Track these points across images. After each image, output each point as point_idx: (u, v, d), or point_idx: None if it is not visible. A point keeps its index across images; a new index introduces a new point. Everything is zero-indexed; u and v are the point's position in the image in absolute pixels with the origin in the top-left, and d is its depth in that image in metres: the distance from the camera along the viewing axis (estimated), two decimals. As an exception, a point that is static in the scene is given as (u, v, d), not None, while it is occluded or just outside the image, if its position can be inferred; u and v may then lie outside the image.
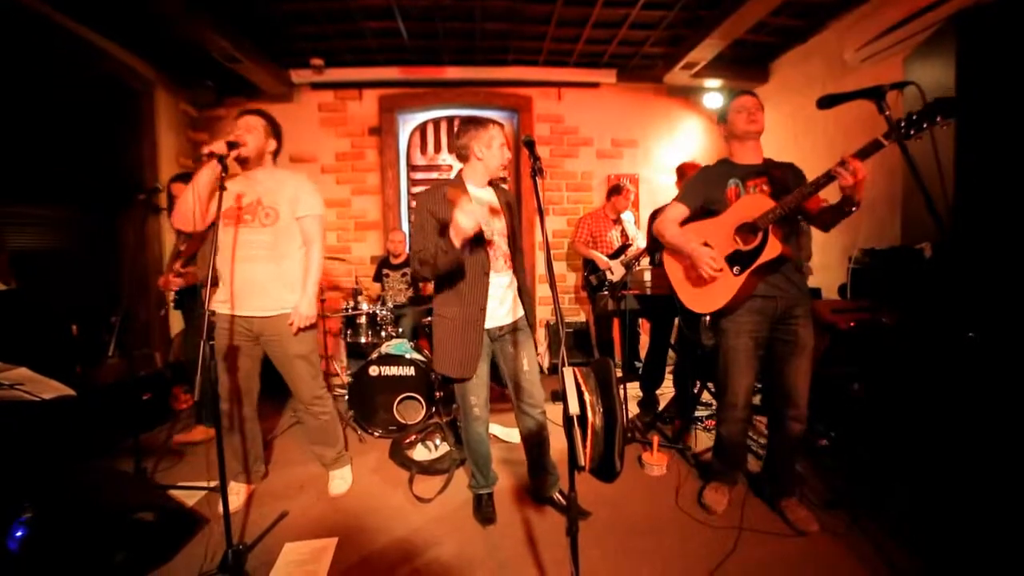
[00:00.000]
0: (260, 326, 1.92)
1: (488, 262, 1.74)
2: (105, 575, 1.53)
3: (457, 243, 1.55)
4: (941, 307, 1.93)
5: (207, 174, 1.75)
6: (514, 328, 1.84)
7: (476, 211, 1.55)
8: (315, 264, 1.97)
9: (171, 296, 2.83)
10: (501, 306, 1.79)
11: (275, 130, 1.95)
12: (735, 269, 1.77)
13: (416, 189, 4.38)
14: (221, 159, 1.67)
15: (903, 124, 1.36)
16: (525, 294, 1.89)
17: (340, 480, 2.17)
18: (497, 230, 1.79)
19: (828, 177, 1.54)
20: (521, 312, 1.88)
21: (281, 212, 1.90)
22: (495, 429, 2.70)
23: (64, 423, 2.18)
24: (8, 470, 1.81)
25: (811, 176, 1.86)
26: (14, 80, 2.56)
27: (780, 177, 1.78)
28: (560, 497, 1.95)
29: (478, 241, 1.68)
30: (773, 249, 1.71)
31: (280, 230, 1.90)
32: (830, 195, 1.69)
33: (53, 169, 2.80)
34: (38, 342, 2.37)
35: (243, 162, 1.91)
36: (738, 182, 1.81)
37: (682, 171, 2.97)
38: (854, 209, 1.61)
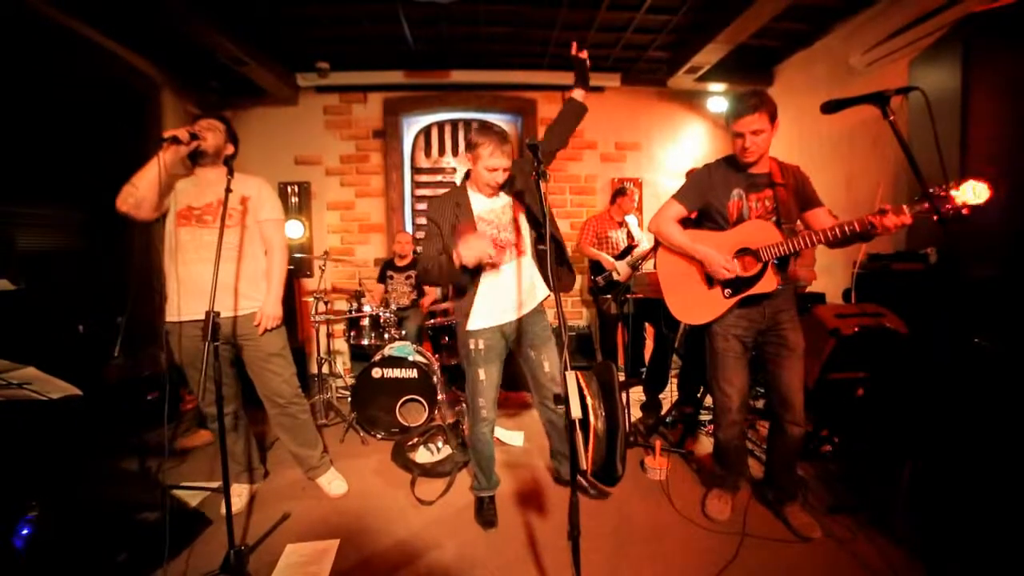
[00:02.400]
0: (235, 326, 1.90)
1: (482, 267, 1.76)
2: (108, 574, 1.54)
3: (457, 267, 1.62)
4: (946, 312, 1.92)
5: (168, 157, 1.70)
6: (529, 324, 1.85)
7: (478, 246, 1.58)
8: (277, 267, 1.98)
9: None
10: (510, 305, 1.81)
11: (233, 136, 1.95)
12: (726, 291, 1.77)
13: (420, 192, 4.40)
14: (174, 140, 1.66)
15: (940, 196, 1.36)
16: (557, 265, 1.79)
17: (337, 480, 2.17)
18: (502, 225, 1.80)
19: (856, 233, 1.52)
20: (535, 303, 1.87)
21: (245, 215, 1.91)
22: (498, 432, 2.70)
23: (70, 422, 2.19)
24: (16, 469, 1.83)
25: (832, 181, 1.84)
26: (22, 82, 2.59)
27: (784, 196, 1.73)
28: (581, 479, 1.97)
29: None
30: (769, 284, 1.72)
31: (243, 231, 1.91)
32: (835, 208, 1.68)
33: (61, 170, 2.83)
34: (45, 342, 2.39)
35: (199, 156, 1.84)
36: (742, 194, 1.75)
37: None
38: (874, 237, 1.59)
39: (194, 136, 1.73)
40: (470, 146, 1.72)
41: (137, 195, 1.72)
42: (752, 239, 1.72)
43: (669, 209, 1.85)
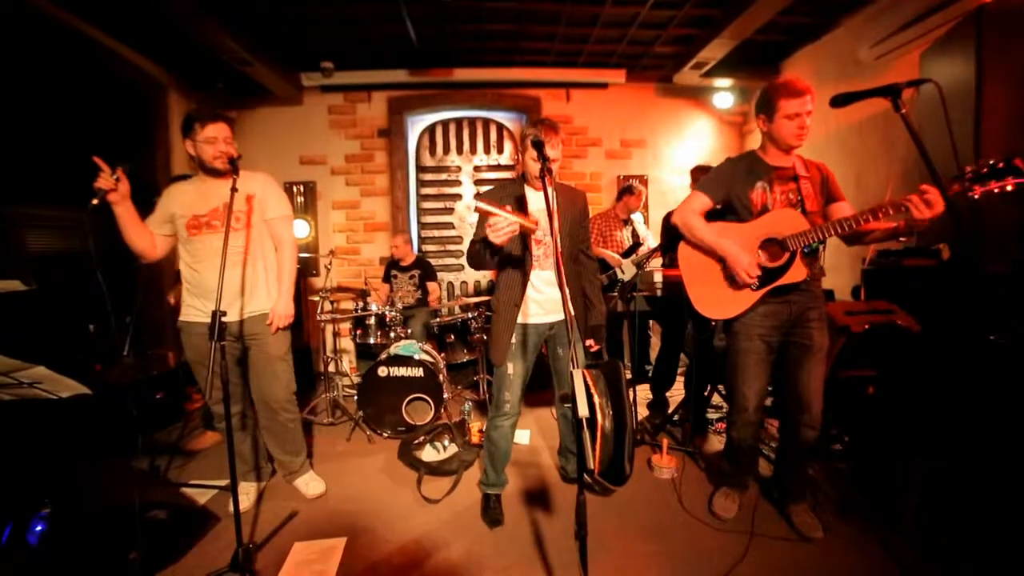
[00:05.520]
0: (242, 325, 1.91)
1: (530, 262, 1.77)
2: (119, 571, 1.56)
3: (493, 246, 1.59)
4: (960, 309, 1.88)
5: (118, 211, 1.76)
6: (563, 329, 1.84)
7: (503, 227, 1.52)
8: (288, 264, 1.98)
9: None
10: (556, 305, 1.79)
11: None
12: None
13: (425, 190, 4.40)
14: (101, 192, 1.72)
15: (969, 178, 1.34)
16: (575, 291, 1.85)
17: (315, 482, 2.15)
18: (547, 228, 1.77)
19: (889, 218, 1.48)
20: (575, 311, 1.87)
21: (251, 215, 1.91)
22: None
23: (81, 421, 2.21)
24: (28, 466, 1.85)
25: (840, 178, 1.80)
26: (31, 85, 2.61)
27: (808, 189, 1.69)
28: (587, 476, 1.96)
29: (523, 245, 1.74)
30: (798, 272, 1.66)
31: (251, 233, 1.91)
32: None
33: (71, 171, 2.86)
34: (56, 341, 2.41)
35: (213, 171, 1.85)
36: (766, 186, 1.72)
37: (696, 174, 2.95)
38: (904, 240, 1.56)
39: (117, 179, 1.73)
40: (522, 138, 1.75)
41: (137, 247, 1.84)
42: (778, 228, 1.68)
43: (694, 201, 1.81)
